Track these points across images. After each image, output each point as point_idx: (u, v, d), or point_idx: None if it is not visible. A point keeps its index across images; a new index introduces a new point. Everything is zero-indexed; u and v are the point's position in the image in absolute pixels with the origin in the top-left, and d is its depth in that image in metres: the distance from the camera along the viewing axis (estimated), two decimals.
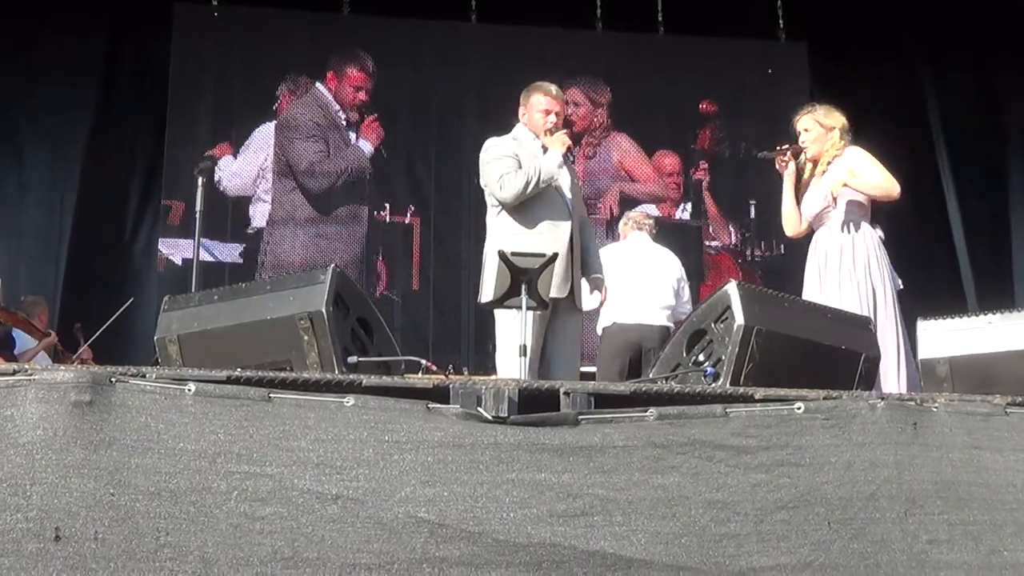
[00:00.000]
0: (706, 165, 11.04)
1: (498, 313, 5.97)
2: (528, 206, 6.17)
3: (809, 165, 6.45)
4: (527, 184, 6.10)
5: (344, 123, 10.78)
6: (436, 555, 3.10)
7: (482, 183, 6.35)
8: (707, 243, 11.07)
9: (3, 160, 10.16)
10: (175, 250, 9.99)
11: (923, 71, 11.26)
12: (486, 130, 10.69)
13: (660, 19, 10.97)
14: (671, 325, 8.05)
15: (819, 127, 6.39)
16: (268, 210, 10.50)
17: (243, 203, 10.53)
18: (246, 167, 10.56)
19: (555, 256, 5.46)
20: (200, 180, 6.59)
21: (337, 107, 10.76)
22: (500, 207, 6.23)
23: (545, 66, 10.52)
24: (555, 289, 5.94)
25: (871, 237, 6.23)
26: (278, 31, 10.79)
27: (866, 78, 10.83)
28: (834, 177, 6.25)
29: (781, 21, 11.02)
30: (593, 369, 8.27)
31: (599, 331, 8.25)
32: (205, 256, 10.21)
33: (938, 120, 11.16)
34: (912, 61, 11.25)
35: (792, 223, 6.49)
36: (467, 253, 10.42)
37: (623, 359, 7.95)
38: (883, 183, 6.24)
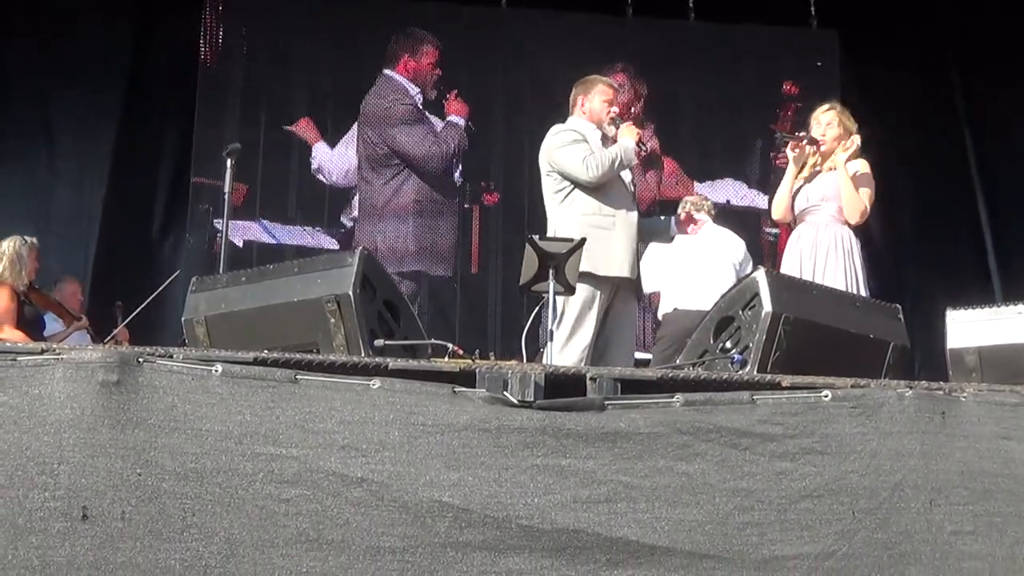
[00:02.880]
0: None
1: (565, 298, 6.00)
2: (600, 191, 6.27)
3: (813, 158, 6.44)
4: (613, 163, 6.23)
5: (423, 104, 10.76)
6: (460, 540, 3.11)
7: (552, 166, 6.36)
8: (766, 229, 10.96)
9: (33, 143, 10.16)
10: (235, 232, 9.90)
11: (953, 60, 11.17)
12: (512, 116, 10.78)
13: (691, 5, 10.91)
14: None
15: (843, 128, 6.41)
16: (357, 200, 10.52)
17: (342, 192, 10.59)
18: (348, 159, 10.58)
19: (583, 241, 5.48)
20: (229, 162, 6.56)
21: (417, 90, 10.73)
22: (567, 191, 6.29)
23: (576, 52, 10.52)
24: (629, 269, 6.20)
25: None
26: (305, 11, 10.77)
27: (896, 66, 10.72)
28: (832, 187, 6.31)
29: (812, 8, 10.95)
30: (646, 356, 8.17)
31: (660, 316, 8.14)
32: (266, 238, 10.26)
33: (967, 111, 11.08)
34: (943, 50, 11.15)
35: (784, 208, 6.45)
36: (495, 238, 10.43)
37: (680, 346, 7.84)
38: (862, 207, 6.30)
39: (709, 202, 8.48)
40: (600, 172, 6.19)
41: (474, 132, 10.71)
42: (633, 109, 10.87)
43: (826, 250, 6.20)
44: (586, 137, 6.32)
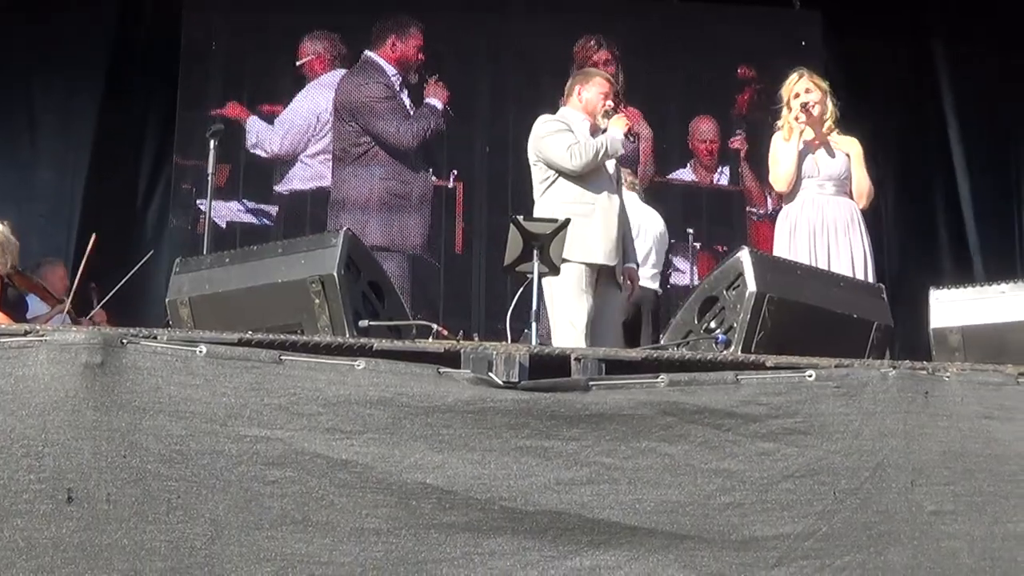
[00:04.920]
0: (743, 134, 10.92)
1: (554, 282, 6.01)
2: (582, 178, 6.30)
3: (802, 126, 6.44)
4: (597, 153, 6.25)
5: (404, 88, 10.72)
6: (444, 521, 3.12)
7: (538, 156, 6.41)
8: (749, 209, 10.95)
9: (15, 122, 10.10)
10: (217, 212, 9.78)
11: (937, 42, 11.16)
12: (497, 97, 10.74)
13: None
14: (659, 289, 8.05)
15: (819, 90, 6.44)
16: (311, 172, 10.45)
17: (281, 165, 10.50)
18: (294, 129, 10.51)
19: (567, 222, 5.48)
20: (212, 143, 6.55)
21: (395, 71, 10.67)
22: (551, 180, 6.35)
23: (560, 33, 10.50)
24: (607, 256, 6.22)
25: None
26: None
27: (880, 47, 10.72)
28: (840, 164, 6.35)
29: None
30: None
31: None
32: (250, 219, 10.22)
33: (950, 92, 11.09)
34: (927, 32, 11.13)
35: (790, 179, 6.43)
36: (479, 219, 10.42)
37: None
38: (871, 190, 6.42)
39: (639, 180, 8.54)
40: (584, 161, 6.22)
41: (452, 117, 10.66)
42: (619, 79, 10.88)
43: (836, 225, 6.21)
44: (572, 127, 6.35)
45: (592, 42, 10.81)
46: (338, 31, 10.69)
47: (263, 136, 10.39)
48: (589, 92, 6.51)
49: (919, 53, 11.06)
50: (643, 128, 10.72)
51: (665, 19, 11.05)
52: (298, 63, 10.59)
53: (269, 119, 10.46)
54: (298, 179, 10.44)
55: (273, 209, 10.36)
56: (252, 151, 10.34)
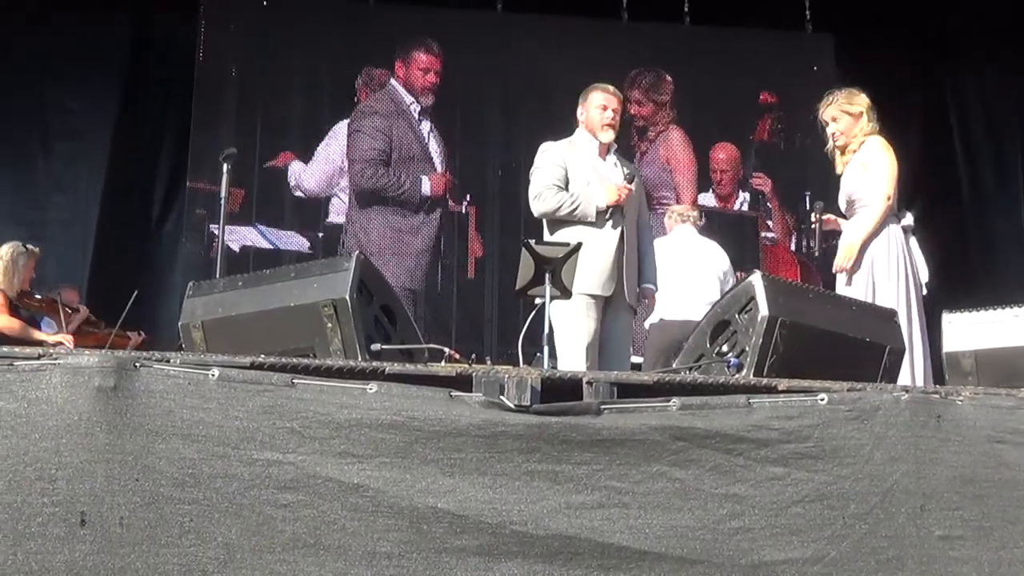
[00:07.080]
0: (763, 176, 10.98)
1: (556, 305, 5.97)
2: None
3: (839, 154, 6.35)
4: (558, 209, 6.22)
5: (416, 114, 10.76)
6: (455, 545, 3.11)
7: None
8: (763, 234, 10.96)
9: (30, 146, 10.17)
10: (232, 237, 9.84)
11: (945, 63, 11.20)
12: (506, 122, 10.78)
13: (686, 10, 10.90)
14: None
15: (847, 116, 6.22)
16: (343, 207, 10.51)
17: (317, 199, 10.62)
18: (326, 167, 10.58)
19: (579, 246, 5.46)
20: (225, 167, 6.57)
21: (411, 99, 10.72)
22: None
23: (572, 57, 10.52)
24: (601, 287, 6.14)
25: (891, 230, 6.11)
26: (303, 18, 10.77)
27: (891, 69, 10.74)
28: (850, 180, 6.19)
29: (808, 12, 10.94)
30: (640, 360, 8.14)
31: (647, 327, 8.08)
32: (263, 243, 10.26)
33: (958, 113, 11.12)
34: (935, 53, 11.18)
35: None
36: (492, 243, 10.44)
37: (667, 356, 7.77)
38: (880, 190, 6.10)
39: (696, 212, 8.43)
40: (540, 211, 6.28)
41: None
42: (658, 115, 10.91)
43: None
44: (568, 161, 6.31)
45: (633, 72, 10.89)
46: (365, 60, 10.79)
47: (300, 175, 10.49)
48: (588, 108, 6.46)
49: (929, 73, 11.09)
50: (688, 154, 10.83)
51: (677, 43, 11.09)
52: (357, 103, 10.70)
53: (304, 158, 10.57)
54: (334, 212, 10.56)
55: (310, 239, 10.48)
56: (295, 193, 10.45)
